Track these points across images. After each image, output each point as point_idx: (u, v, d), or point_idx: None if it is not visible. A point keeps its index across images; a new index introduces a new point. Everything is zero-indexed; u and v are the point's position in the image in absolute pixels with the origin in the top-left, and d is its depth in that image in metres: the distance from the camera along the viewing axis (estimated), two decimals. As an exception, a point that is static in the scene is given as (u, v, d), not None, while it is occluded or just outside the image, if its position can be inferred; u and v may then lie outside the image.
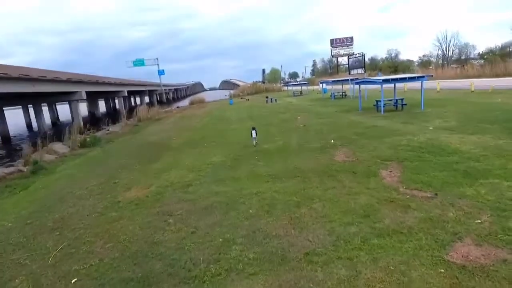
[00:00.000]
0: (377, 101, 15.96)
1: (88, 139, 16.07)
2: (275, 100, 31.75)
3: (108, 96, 46.73)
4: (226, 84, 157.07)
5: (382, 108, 14.74)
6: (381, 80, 14.16)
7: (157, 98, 75.26)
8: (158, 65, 66.67)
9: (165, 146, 12.95)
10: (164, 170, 8.74)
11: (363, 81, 16.26)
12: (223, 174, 7.63)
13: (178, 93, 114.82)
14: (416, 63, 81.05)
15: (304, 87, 43.76)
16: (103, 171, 9.71)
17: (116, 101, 67.63)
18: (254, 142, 10.74)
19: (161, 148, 12.76)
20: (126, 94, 42.59)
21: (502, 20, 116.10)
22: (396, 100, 15.99)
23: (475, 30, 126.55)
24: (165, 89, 78.77)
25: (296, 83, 49.20)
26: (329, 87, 33.94)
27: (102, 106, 60.91)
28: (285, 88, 60.45)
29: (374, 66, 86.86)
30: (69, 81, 24.93)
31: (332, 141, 9.89)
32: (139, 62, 66.07)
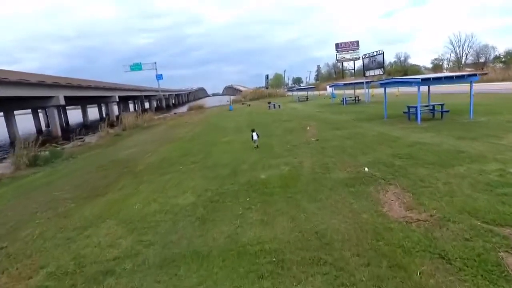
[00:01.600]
0: (409, 107, 12.49)
1: (43, 154, 12.73)
2: (279, 105, 28.37)
3: (101, 102, 43.57)
4: (229, 90, 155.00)
5: (419, 116, 11.27)
6: (418, 80, 10.67)
7: (156, 103, 72.38)
8: (156, 69, 64.07)
9: (130, 168, 9.57)
10: (94, 222, 5.33)
11: (390, 82, 12.76)
12: (180, 243, 4.19)
13: (180, 99, 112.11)
14: (423, 67, 77.62)
15: (310, 92, 40.44)
16: (7, 217, 6.33)
17: (115, 107, 64.89)
18: (255, 145, 10.01)
19: (123, 170, 9.39)
20: (117, 100, 39.44)
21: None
22: (433, 106, 12.51)
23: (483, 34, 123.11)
24: (164, 95, 75.81)
25: (301, 87, 45.62)
26: (339, 91, 30.52)
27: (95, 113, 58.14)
28: (289, 93, 57.21)
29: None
30: (40, 84, 21.68)
31: (366, 168, 6.43)
32: (137, 67, 63.44)
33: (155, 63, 62.56)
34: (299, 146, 9.71)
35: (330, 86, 27.56)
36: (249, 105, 38.93)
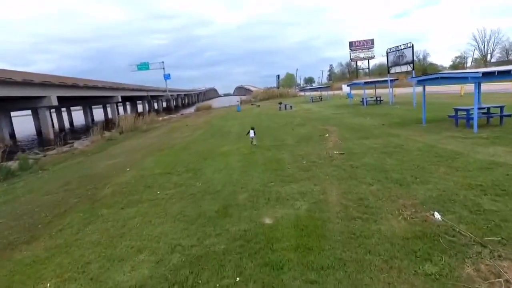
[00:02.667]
0: (456, 110, 9.83)
1: (6, 166, 10.63)
2: (290, 106, 25.82)
3: (103, 103, 41.81)
4: (240, 90, 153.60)
5: (475, 122, 8.60)
6: (478, 74, 7.98)
7: (163, 104, 70.78)
8: (163, 68, 62.43)
9: (96, 190, 7.28)
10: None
11: (432, 79, 10.04)
12: None
13: (190, 99, 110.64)
14: (440, 66, 73.45)
15: (323, 92, 37.70)
16: None
17: (121, 108, 63.44)
18: (253, 142, 10.25)
19: (86, 193, 7.12)
20: (120, 100, 37.55)
21: None
22: (488, 108, 9.81)
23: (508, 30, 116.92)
24: (172, 95, 74.06)
25: (314, 87, 42.67)
26: (356, 91, 27.76)
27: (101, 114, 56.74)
28: (301, 93, 54.48)
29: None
30: (28, 83, 19.73)
31: (436, 215, 3.90)
32: (144, 66, 61.94)
33: (163, 62, 60.94)
34: (318, 163, 7.23)
35: (347, 85, 24.76)
36: (259, 105, 36.55)
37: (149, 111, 50.85)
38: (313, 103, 30.11)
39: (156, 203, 5.72)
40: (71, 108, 46.30)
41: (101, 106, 51.19)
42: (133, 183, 7.43)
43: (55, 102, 22.39)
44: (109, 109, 46.07)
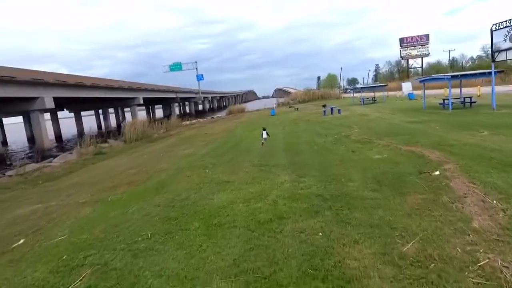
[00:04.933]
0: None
1: None
2: (338, 110, 19.94)
3: (122, 105, 38.22)
4: (279, 92, 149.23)
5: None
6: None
7: (197, 107, 67.79)
8: (196, 69, 59.08)
9: None
10: None
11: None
12: None
13: (225, 101, 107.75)
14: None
15: (377, 93, 30.98)
16: None
17: (144, 111, 61.07)
18: (262, 142, 9.99)
19: None
20: (141, 102, 34.02)
21: None
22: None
23: None
24: (206, 97, 70.74)
25: (367, 85, 35.00)
26: (428, 92, 20.99)
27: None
28: (346, 94, 47.79)
29: (456, 68, 69.06)
30: (10, 81, 16.16)
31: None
32: (176, 67, 59.15)
33: (196, 62, 57.56)
34: None
35: (421, 81, 17.98)
36: (297, 108, 30.84)
37: (183, 114, 47.44)
38: (365, 106, 23.86)
39: None
40: (82, 112, 41.15)
41: (128, 109, 48.58)
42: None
43: (49, 104, 18.77)
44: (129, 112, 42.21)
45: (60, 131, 33.73)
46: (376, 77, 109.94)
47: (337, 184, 5.19)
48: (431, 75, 28.59)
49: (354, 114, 17.90)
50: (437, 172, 5.20)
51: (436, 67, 77.97)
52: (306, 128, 14.10)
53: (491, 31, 13.03)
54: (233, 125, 21.08)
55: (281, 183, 5.58)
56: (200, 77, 57.74)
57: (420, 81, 16.76)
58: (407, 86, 26.41)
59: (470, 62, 74.81)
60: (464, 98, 15.48)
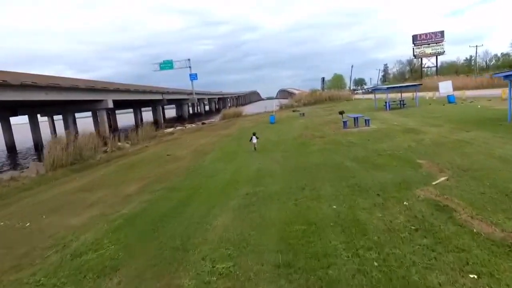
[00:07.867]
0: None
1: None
2: (365, 120, 13.72)
3: (89, 109, 30.39)
4: (283, 93, 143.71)
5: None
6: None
7: (189, 109, 61.74)
8: (190, 67, 52.99)
9: None
10: None
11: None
12: None
13: (225, 103, 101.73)
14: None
15: (404, 93, 24.37)
16: None
17: (144, 114, 55.35)
18: (253, 147, 9.93)
19: None
20: (109, 105, 27.06)
21: None
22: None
23: None
24: (201, 98, 64.55)
25: (394, 85, 25.96)
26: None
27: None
28: (357, 96, 41.46)
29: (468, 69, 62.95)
30: None
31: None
32: (167, 65, 53.13)
33: (189, 59, 51.50)
34: None
35: (505, 77, 11.62)
36: (303, 114, 24.40)
37: (178, 117, 41.23)
38: (394, 112, 17.53)
39: None
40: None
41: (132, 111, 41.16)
42: None
43: None
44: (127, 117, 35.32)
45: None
46: (384, 78, 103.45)
47: None
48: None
49: (394, 129, 11.59)
50: None
51: (452, 67, 71.73)
52: (324, 159, 7.92)
53: None
54: (213, 141, 14.88)
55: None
56: (193, 77, 51.71)
57: (504, 76, 10.92)
58: (446, 86, 20.19)
59: (494, 61, 68.09)
60: None
